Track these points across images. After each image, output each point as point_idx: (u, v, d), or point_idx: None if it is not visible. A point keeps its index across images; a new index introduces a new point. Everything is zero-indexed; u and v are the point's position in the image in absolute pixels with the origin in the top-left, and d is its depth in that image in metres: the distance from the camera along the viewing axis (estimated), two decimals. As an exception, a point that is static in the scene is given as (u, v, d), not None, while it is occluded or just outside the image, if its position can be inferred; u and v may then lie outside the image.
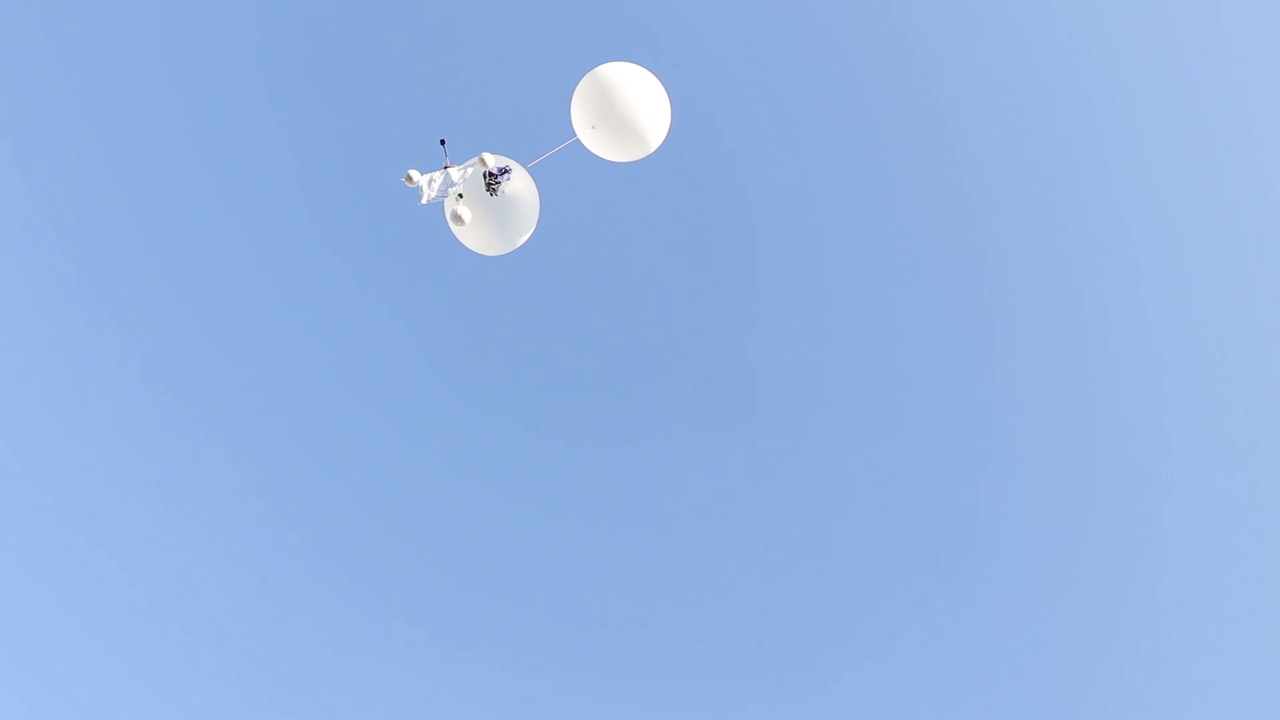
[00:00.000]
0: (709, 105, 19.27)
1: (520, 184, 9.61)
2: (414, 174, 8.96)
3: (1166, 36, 19.57)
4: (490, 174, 9.27)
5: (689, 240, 20.38)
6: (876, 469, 20.63)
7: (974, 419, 20.45)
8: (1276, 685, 18.12)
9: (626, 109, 9.63)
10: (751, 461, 20.78)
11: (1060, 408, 20.36)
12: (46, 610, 18.83)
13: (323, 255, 20.07)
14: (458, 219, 9.27)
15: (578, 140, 9.83)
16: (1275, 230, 19.13)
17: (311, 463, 20.23)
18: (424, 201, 9.15)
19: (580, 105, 9.75)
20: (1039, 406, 20.38)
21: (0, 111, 18.61)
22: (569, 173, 10.11)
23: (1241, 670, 18.53)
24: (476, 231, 9.65)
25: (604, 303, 20.32)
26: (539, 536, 20.43)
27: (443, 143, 9.12)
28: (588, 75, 9.74)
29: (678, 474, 20.66)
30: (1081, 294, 20.22)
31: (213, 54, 19.29)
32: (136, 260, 19.47)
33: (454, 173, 9.20)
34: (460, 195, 9.28)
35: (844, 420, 20.63)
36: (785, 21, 19.64)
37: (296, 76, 20.11)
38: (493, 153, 9.34)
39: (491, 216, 9.53)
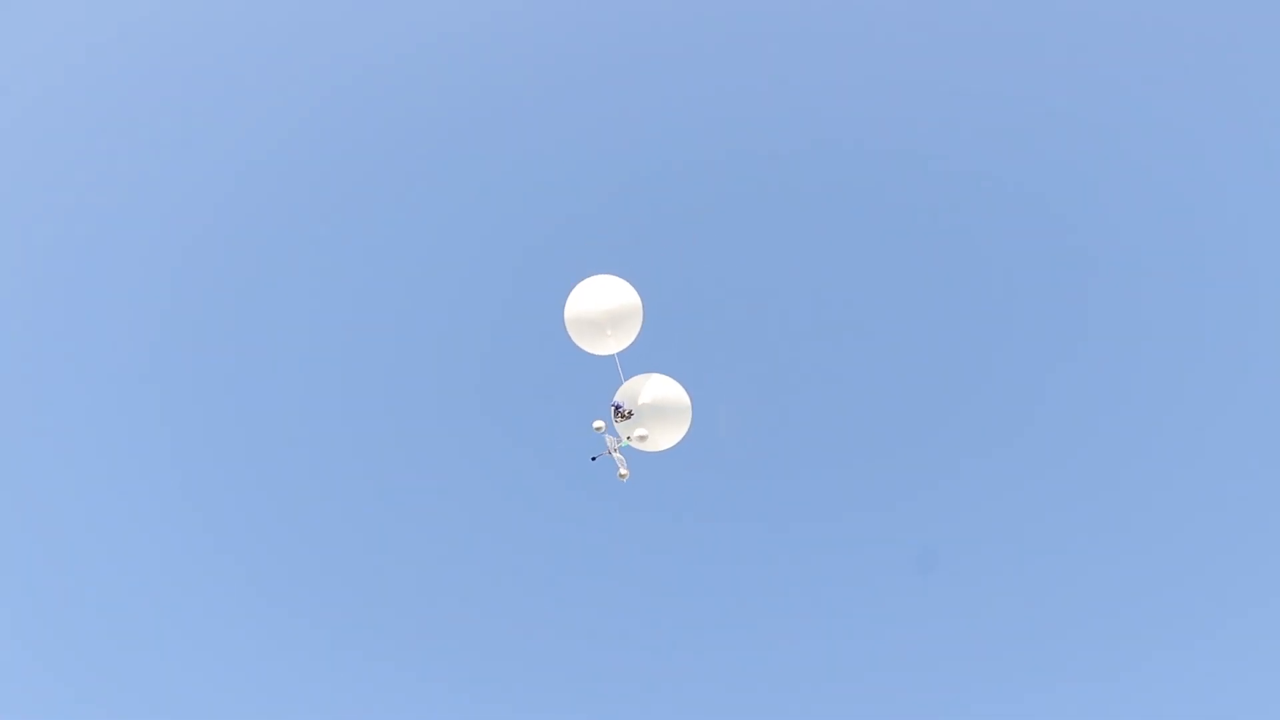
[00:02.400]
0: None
1: (641, 389, 11.09)
2: (625, 472, 10.93)
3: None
4: (620, 416, 10.89)
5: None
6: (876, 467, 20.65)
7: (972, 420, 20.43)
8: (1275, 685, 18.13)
9: (603, 305, 10.93)
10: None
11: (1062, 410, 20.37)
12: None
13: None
14: (643, 439, 10.97)
15: (614, 353, 11.15)
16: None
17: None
18: (620, 462, 11.01)
19: (585, 338, 11.05)
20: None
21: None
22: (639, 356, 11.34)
23: (1241, 670, 18.53)
24: (661, 433, 11.13)
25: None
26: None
27: (594, 458, 10.90)
28: (569, 323, 11.06)
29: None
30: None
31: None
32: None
33: (619, 445, 10.92)
34: (628, 439, 10.93)
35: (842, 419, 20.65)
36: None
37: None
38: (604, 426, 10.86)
39: (656, 417, 11.06)
